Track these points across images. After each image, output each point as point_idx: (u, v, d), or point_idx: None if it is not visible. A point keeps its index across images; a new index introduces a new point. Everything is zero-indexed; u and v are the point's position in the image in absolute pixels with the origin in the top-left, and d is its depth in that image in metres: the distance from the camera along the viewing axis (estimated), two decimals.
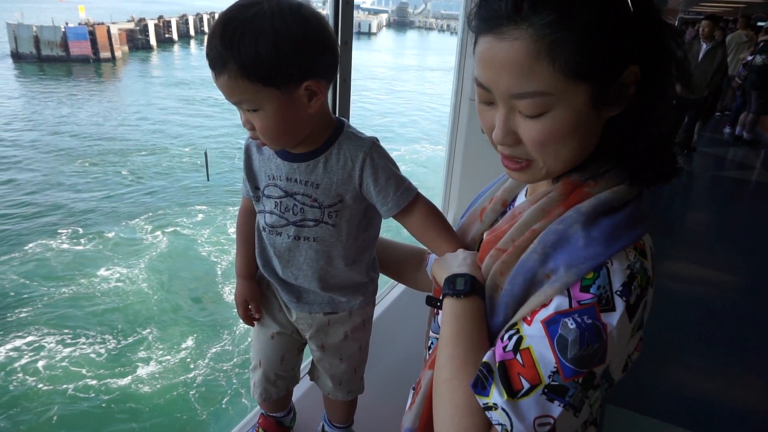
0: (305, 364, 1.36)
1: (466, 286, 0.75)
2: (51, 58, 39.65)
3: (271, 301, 1.21)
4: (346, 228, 1.04)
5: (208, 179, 16.49)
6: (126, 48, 45.05)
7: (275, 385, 1.25)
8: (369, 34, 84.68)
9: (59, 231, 13.71)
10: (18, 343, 9.41)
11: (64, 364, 9.01)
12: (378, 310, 1.82)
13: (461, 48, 2.23)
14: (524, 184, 0.87)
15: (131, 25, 49.16)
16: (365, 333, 1.22)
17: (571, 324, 0.61)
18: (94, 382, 8.65)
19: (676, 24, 13.51)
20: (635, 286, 0.63)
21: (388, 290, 2.05)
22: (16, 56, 39.28)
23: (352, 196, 1.01)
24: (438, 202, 2.34)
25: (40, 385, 8.49)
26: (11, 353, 9.17)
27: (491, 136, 0.70)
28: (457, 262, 0.82)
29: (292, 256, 1.07)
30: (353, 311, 1.17)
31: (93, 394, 8.36)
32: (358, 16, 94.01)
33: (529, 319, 0.66)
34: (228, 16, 0.87)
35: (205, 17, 65.90)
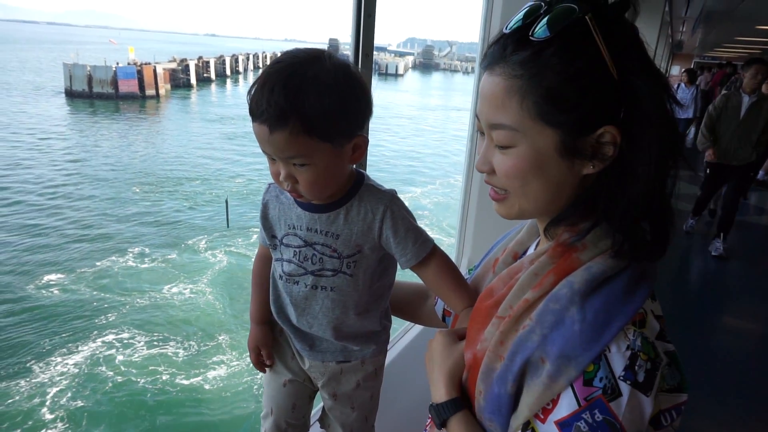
0: (315, 411, 1.35)
1: (439, 414, 0.78)
2: (101, 95, 42.55)
3: (283, 348, 1.21)
4: (362, 278, 1.04)
5: (228, 226, 17.08)
6: (168, 86, 47.95)
7: None
8: (396, 75, 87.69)
9: (128, 249, 15.10)
10: (110, 338, 10.82)
11: (139, 361, 10.14)
12: (389, 357, 1.78)
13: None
14: (534, 237, 0.90)
15: (174, 65, 52.30)
16: (377, 381, 1.22)
17: (584, 427, 0.61)
18: (167, 376, 9.76)
19: (692, 67, 13.87)
20: (640, 364, 0.62)
21: (400, 336, 2.03)
22: (70, 93, 42.18)
23: (370, 247, 1.02)
24: (452, 247, 2.53)
25: (118, 378, 9.60)
26: (102, 347, 10.53)
27: None
28: (434, 380, 0.83)
29: (308, 304, 1.08)
30: (366, 360, 1.17)
31: (162, 386, 9.50)
32: (385, 58, 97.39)
33: (542, 417, 0.65)
34: (288, 70, 0.86)
35: (241, 58, 69.45)
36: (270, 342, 1.21)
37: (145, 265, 14.35)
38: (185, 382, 9.66)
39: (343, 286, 1.04)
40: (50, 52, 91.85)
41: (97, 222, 17.38)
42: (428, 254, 1.01)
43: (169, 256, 14.82)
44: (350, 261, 1.02)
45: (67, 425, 8.49)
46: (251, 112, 0.88)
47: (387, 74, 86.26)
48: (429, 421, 0.93)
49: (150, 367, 9.96)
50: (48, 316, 11.59)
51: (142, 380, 9.61)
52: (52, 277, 13.35)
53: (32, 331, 10.95)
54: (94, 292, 12.70)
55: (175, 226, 17.24)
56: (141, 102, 42.58)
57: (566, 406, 0.63)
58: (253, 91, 0.88)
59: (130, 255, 14.83)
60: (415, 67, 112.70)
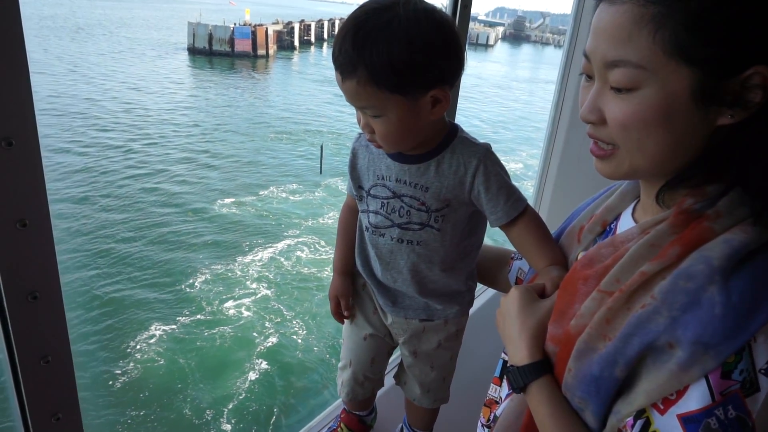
0: (391, 360, 1.34)
1: (520, 379, 0.72)
2: (219, 53, 46.46)
3: (365, 302, 1.21)
4: (450, 233, 1.02)
5: (321, 172, 18.55)
6: (275, 47, 51.24)
7: (363, 386, 1.25)
8: (486, 45, 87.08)
9: (283, 184, 18.22)
10: (298, 240, 14.23)
11: (310, 260, 13.17)
12: None
13: (566, 59, 2.16)
14: (629, 202, 0.79)
15: (280, 27, 55.59)
16: (457, 343, 1.20)
17: (715, 424, 0.54)
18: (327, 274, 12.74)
19: None
20: None
21: None
22: (192, 50, 46.41)
23: (459, 202, 0.99)
24: None
25: (296, 267, 12.68)
26: (285, 248, 13.80)
27: None
28: (514, 339, 0.76)
29: (393, 258, 1.06)
30: (449, 320, 1.15)
31: (326, 278, 12.46)
32: (476, 27, 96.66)
33: (662, 408, 0.58)
34: (361, 19, 0.85)
35: (337, 22, 71.92)
36: (349, 293, 1.20)
37: (298, 197, 17.33)
38: None
39: (430, 241, 1.02)
40: (160, 11, 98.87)
41: (250, 160, 20.68)
42: (520, 213, 0.97)
43: (317, 193, 17.68)
44: (438, 215, 0.99)
45: (265, 290, 11.94)
46: (332, 59, 0.88)
47: (477, 44, 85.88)
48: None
49: (318, 268, 12.97)
50: (236, 227, 14.79)
51: (312, 271, 12.81)
52: (228, 200, 16.53)
53: (232, 237, 14.22)
54: (264, 212, 15.79)
55: (315, 167, 20.15)
56: (252, 61, 45.97)
57: (697, 399, 0.56)
58: (334, 39, 0.88)
59: (285, 188, 17.89)
60: (504, 38, 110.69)
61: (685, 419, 0.56)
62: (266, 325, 10.52)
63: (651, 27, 0.56)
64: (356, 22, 0.85)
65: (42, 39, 43.99)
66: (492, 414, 0.90)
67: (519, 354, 0.74)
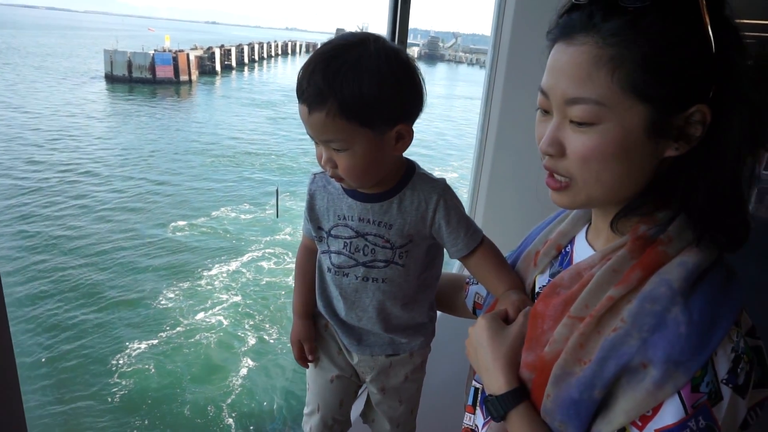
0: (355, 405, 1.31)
1: (500, 408, 0.74)
2: (140, 80, 45.53)
3: (329, 343, 1.19)
4: (413, 268, 1.04)
5: (277, 216, 18.15)
6: (197, 72, 50.88)
7: (332, 429, 1.23)
8: None
9: (235, 205, 18.79)
10: (258, 253, 15.05)
11: (272, 271, 13.93)
12: None
13: (490, 80, 2.19)
14: (581, 226, 0.85)
15: (200, 53, 55.21)
16: (422, 374, 1.22)
17: None
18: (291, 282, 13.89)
19: None
20: (742, 367, 0.61)
21: None
22: (110, 78, 45.12)
23: (421, 237, 1.01)
24: None
25: (258, 277, 13.52)
26: (257, 261, 14.54)
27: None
28: (489, 369, 0.78)
29: (359, 297, 1.06)
30: (414, 352, 1.16)
31: (286, 287, 13.31)
32: None
33: (640, 424, 0.63)
34: (331, 53, 0.87)
35: (257, 47, 72.31)
36: (313, 336, 1.18)
37: (250, 216, 18.00)
38: None
39: (395, 277, 1.03)
40: (65, 38, 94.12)
41: (194, 183, 21.04)
42: (478, 244, 1.01)
43: (268, 211, 18.41)
44: (402, 251, 1.01)
45: (233, 298, 12.86)
46: (296, 92, 0.89)
47: None
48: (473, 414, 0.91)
49: (280, 277, 13.93)
50: (195, 246, 15.30)
51: (273, 280, 13.73)
52: (181, 222, 16.90)
53: (194, 255, 14.73)
54: (220, 232, 16.34)
55: (259, 188, 20.87)
56: (176, 87, 45.54)
57: (671, 414, 0.61)
58: (299, 72, 0.89)
59: (237, 208, 18.52)
60: (420, 57, 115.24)
61: None
62: (245, 327, 11.38)
63: (609, 67, 0.61)
64: (326, 57, 0.87)
65: None
66: None
67: (496, 383, 0.76)
